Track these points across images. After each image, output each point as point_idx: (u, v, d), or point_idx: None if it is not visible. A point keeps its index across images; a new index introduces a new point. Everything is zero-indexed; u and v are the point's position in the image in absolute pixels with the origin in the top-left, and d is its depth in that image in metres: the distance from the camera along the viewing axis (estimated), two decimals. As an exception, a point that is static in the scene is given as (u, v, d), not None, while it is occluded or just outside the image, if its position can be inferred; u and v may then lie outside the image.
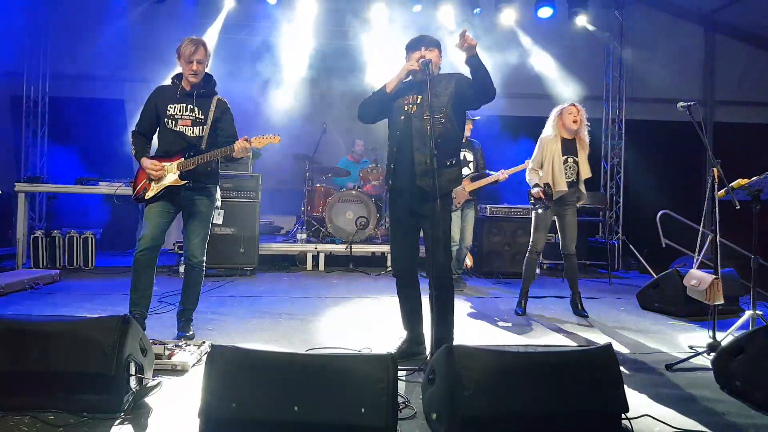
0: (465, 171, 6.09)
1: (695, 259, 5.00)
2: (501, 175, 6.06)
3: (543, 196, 4.81)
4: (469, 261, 7.22)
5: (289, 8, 8.58)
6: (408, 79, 3.45)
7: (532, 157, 5.05)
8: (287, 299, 5.42)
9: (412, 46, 3.48)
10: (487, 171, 6.28)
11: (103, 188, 6.55)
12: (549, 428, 2.25)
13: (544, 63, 9.38)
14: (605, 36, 9.59)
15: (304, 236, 7.59)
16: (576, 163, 4.91)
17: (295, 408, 2.08)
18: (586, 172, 4.93)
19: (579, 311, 5.00)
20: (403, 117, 3.42)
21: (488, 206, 7.37)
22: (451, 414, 2.21)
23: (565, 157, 4.89)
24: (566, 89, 9.39)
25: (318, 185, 7.92)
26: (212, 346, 2.23)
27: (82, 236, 6.86)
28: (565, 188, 4.81)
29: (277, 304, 5.17)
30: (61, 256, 6.77)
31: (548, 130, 4.99)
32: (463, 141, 6.04)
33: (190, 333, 3.85)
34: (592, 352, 2.39)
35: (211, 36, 8.58)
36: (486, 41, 9.05)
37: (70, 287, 5.72)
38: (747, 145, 9.31)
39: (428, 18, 8.71)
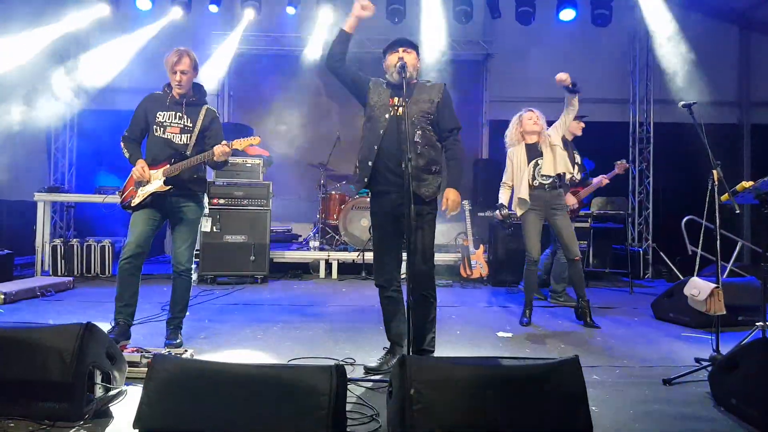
0: (579, 176, 5.98)
1: (713, 268, 4.72)
2: (604, 179, 6.14)
3: (501, 217, 4.96)
4: (484, 269, 7.05)
5: (306, 18, 8.60)
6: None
7: (505, 173, 5.02)
8: (290, 307, 5.38)
9: (389, 48, 3.42)
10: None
11: (112, 197, 6.62)
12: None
13: (566, 66, 9.09)
14: (631, 37, 9.28)
15: (317, 244, 7.55)
16: None
17: (233, 421, 2.01)
18: (560, 168, 4.79)
19: (588, 322, 4.79)
20: (387, 116, 3.30)
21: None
22: (401, 430, 2.11)
23: (534, 160, 4.81)
24: (590, 92, 9.09)
25: (332, 192, 7.89)
26: (154, 356, 2.19)
27: (100, 244, 7.01)
28: (527, 195, 4.73)
29: (279, 312, 5.14)
30: (79, 264, 6.92)
31: (510, 142, 4.94)
32: (570, 141, 5.94)
33: (178, 341, 3.84)
34: (555, 365, 2.24)
35: (229, 47, 8.70)
36: (506, 45, 8.92)
37: (82, 294, 5.83)
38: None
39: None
